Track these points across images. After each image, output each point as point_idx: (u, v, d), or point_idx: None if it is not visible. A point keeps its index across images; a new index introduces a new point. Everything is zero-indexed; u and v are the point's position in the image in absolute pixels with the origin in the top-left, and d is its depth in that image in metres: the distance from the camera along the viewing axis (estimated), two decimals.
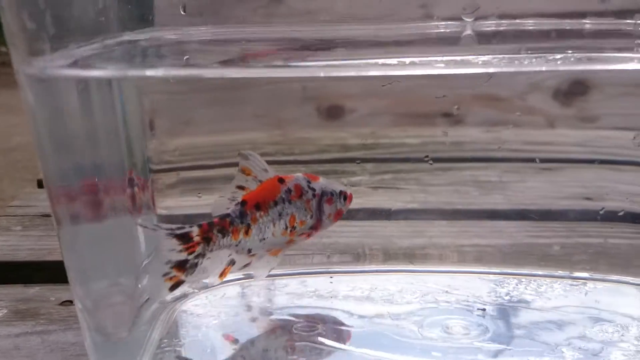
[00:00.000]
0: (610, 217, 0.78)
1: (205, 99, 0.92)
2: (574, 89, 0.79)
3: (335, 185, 0.66)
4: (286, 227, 0.62)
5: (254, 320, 0.69)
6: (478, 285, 0.76)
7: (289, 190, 0.63)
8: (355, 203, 0.90)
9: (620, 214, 0.77)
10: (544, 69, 0.66)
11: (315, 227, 0.65)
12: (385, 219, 0.88)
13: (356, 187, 0.92)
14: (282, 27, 0.73)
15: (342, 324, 0.67)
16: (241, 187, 0.62)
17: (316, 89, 0.84)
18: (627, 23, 0.65)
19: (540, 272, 0.79)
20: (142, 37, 0.68)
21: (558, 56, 0.61)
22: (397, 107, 1.02)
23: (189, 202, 0.77)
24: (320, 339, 0.64)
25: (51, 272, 0.83)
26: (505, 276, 0.78)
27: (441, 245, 0.85)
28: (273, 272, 0.65)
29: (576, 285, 0.76)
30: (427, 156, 0.81)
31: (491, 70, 0.67)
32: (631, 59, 0.64)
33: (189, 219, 0.76)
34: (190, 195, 0.78)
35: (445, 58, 0.65)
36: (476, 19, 0.66)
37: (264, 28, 0.73)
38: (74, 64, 0.57)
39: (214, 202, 0.63)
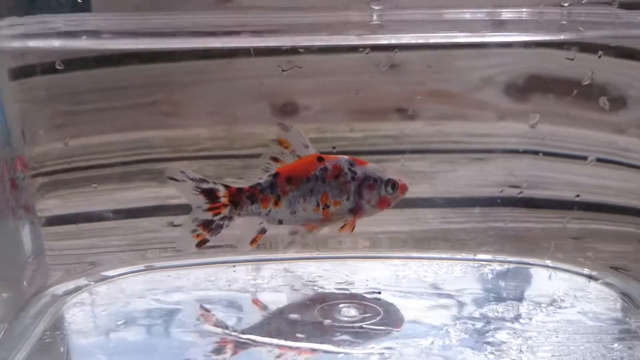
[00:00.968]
0: (529, 203, 0.79)
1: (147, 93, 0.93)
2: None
3: (387, 173, 0.65)
4: (318, 205, 0.63)
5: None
6: (380, 270, 0.76)
7: (325, 169, 0.63)
8: None
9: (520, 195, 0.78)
10: None
11: (354, 211, 0.64)
12: None
13: None
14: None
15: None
16: (275, 159, 0.64)
17: (271, 86, 0.84)
18: None
19: (445, 255, 0.79)
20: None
21: None
22: (351, 103, 1.03)
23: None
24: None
25: None
26: (410, 260, 0.78)
27: (354, 233, 0.85)
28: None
29: (476, 267, 0.77)
30: (334, 147, 0.80)
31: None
32: None
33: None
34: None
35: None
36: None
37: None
38: None
39: (247, 171, 0.65)
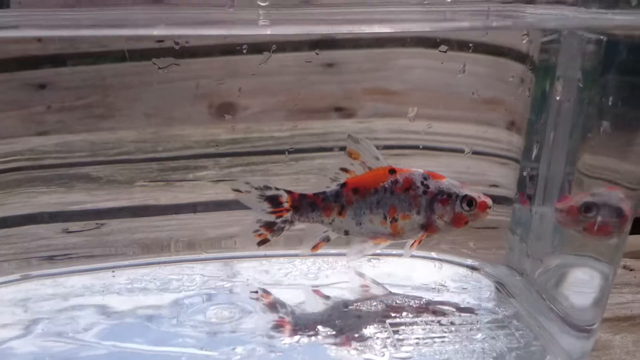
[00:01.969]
0: None
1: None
2: None
3: (464, 189, 0.63)
4: (385, 217, 0.62)
5: None
6: (264, 269, 0.76)
7: (395, 182, 0.62)
8: (187, 198, 0.91)
9: None
10: None
11: (426, 227, 0.63)
12: (213, 211, 0.87)
13: (198, 182, 0.92)
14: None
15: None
16: (345, 170, 0.64)
17: (208, 87, 0.83)
18: None
19: (333, 252, 0.79)
20: None
21: None
22: (290, 103, 1.02)
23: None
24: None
25: None
26: (297, 258, 0.78)
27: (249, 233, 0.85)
28: None
29: (360, 262, 0.77)
30: (291, 148, 0.83)
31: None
32: None
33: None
34: None
35: None
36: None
37: None
38: None
39: (315, 181, 0.66)
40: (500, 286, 0.71)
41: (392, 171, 0.63)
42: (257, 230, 0.66)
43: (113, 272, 0.74)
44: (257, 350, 0.59)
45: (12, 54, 0.90)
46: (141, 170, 0.95)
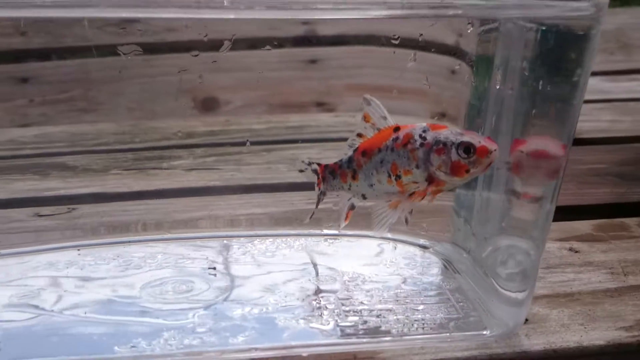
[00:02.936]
0: None
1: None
2: None
3: (463, 136, 0.58)
4: (389, 175, 0.61)
5: None
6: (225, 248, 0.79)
7: (396, 138, 0.61)
8: (161, 184, 0.94)
9: None
10: None
11: (430, 180, 0.60)
12: (183, 197, 0.90)
13: (172, 170, 0.95)
14: None
15: None
16: (360, 135, 0.64)
17: (192, 82, 0.86)
18: None
19: (293, 232, 0.83)
20: None
21: None
22: (270, 98, 1.06)
23: None
24: None
25: None
26: (256, 237, 0.81)
27: (216, 217, 0.88)
28: None
29: (318, 241, 0.80)
30: (247, 140, 0.84)
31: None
32: None
33: None
34: None
35: None
36: None
37: None
38: None
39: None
40: (448, 263, 0.75)
41: (397, 129, 0.61)
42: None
43: (78, 250, 0.77)
44: (208, 317, 0.63)
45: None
46: (116, 160, 0.98)
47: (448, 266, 0.74)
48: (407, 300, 0.67)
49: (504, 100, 0.69)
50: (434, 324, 0.64)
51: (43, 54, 1.07)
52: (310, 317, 0.64)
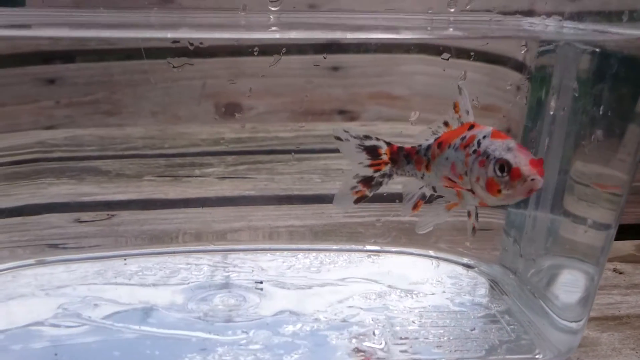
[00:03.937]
0: None
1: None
2: None
3: (508, 153, 0.52)
4: (448, 174, 0.57)
5: None
6: (269, 261, 0.79)
7: (463, 138, 0.56)
8: (196, 192, 0.94)
9: None
10: None
11: (473, 191, 0.55)
12: (220, 206, 0.91)
13: (204, 178, 0.95)
14: None
15: None
16: (446, 123, 0.59)
17: (215, 87, 0.86)
18: None
19: (335, 247, 0.83)
20: None
21: None
22: (295, 105, 1.06)
23: None
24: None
25: None
26: (300, 252, 0.81)
27: (255, 227, 0.88)
28: None
29: (362, 257, 0.80)
30: (297, 146, 0.85)
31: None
32: None
33: None
34: None
35: None
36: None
37: None
38: None
39: (420, 131, 0.62)
40: (494, 284, 0.75)
41: (471, 127, 0.57)
42: (355, 187, 0.62)
43: (125, 259, 0.77)
44: (262, 334, 0.63)
45: (23, 49, 0.93)
46: (148, 165, 0.99)
47: (495, 287, 0.74)
48: (456, 322, 0.66)
49: (559, 120, 0.68)
50: (487, 346, 0.63)
51: (68, 56, 1.08)
52: (362, 337, 0.64)
